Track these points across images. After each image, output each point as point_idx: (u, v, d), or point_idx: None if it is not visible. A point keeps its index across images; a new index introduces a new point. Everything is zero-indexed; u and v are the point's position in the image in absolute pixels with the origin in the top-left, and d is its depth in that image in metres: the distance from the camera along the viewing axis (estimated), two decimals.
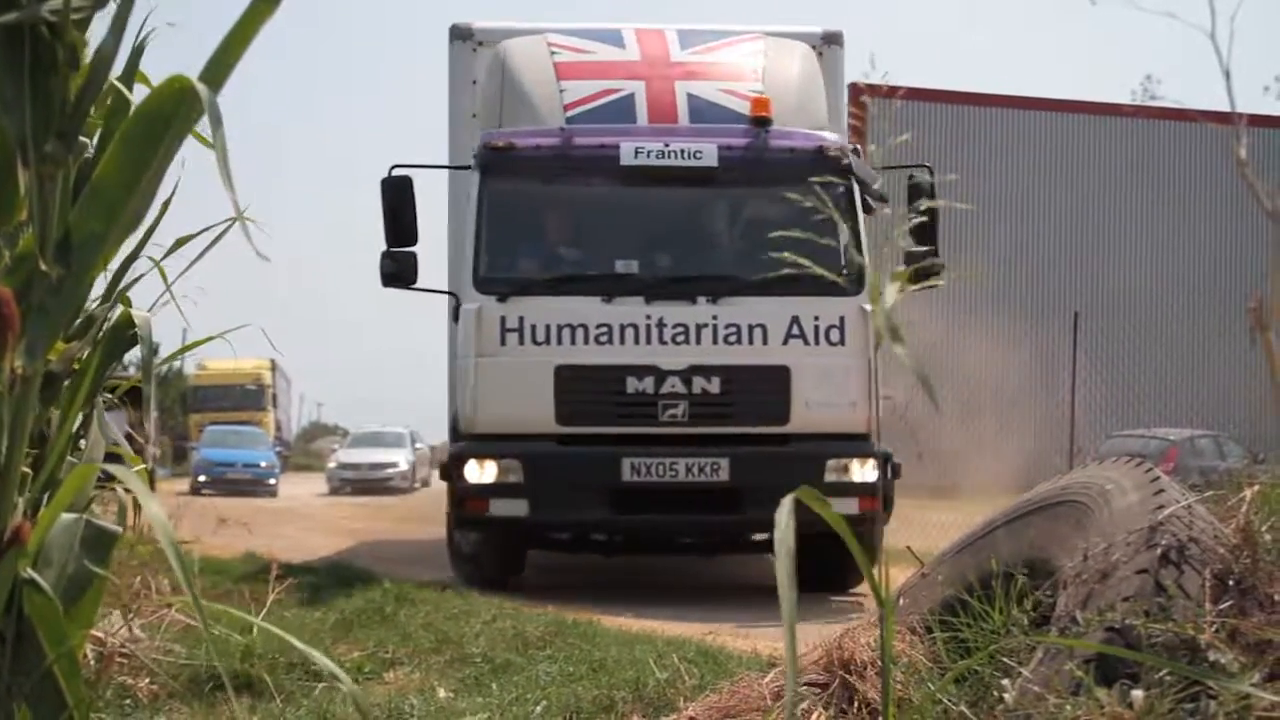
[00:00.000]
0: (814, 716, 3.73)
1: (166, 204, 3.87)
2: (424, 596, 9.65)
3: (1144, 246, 32.80)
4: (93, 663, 5.55)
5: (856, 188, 10.95)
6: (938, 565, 4.69)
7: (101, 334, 3.75)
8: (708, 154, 10.99)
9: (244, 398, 48.70)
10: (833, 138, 11.37)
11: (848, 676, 3.88)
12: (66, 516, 2.72)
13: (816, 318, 10.84)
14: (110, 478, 3.18)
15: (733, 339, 10.81)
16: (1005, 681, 3.40)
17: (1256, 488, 3.83)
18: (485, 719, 5.27)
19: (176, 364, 54.17)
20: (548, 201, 11.66)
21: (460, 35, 13.05)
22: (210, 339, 5.26)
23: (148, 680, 5.66)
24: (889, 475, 10.71)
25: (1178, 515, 3.61)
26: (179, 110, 2.43)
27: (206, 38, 2.48)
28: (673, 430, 10.78)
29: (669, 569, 13.01)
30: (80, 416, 3.70)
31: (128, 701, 5.47)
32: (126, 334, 3.82)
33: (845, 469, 10.69)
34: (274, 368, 51.04)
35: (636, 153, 11.00)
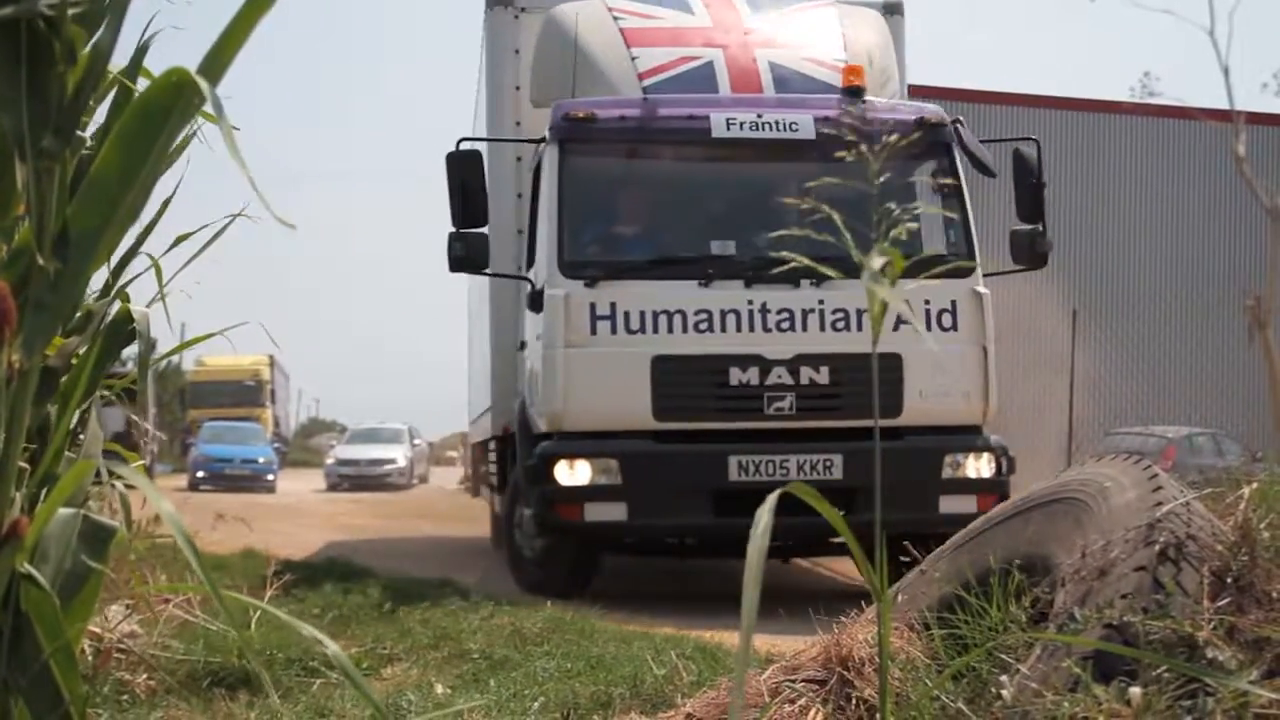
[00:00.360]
0: (811, 713, 3.73)
1: (167, 201, 3.88)
2: (422, 593, 9.66)
3: (1142, 244, 32.76)
4: (90, 658, 5.55)
5: (959, 163, 10.49)
6: (936, 562, 4.69)
7: (100, 329, 3.75)
8: (804, 126, 10.23)
9: (242, 394, 48.76)
10: (934, 109, 10.74)
11: (845, 673, 3.88)
12: (64, 511, 2.72)
13: (927, 302, 10.13)
14: (109, 473, 3.18)
15: (840, 325, 10.07)
16: (1003, 678, 3.40)
17: (1255, 485, 3.84)
18: (482, 704, 5.26)
19: (175, 360, 54.31)
20: (632, 176, 10.97)
21: (499, 1, 12.27)
22: (210, 335, 5.27)
23: (145, 675, 5.67)
24: (1005, 470, 10.22)
25: (1176, 513, 3.61)
26: (177, 103, 2.43)
27: (213, 36, 2.47)
28: (779, 425, 9.99)
29: (672, 570, 12.98)
30: (78, 412, 3.70)
31: (125, 697, 5.47)
32: (125, 329, 3.82)
33: (962, 465, 10.13)
34: (272, 364, 51.13)
35: (729, 124, 10.25)
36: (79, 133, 2.94)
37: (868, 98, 10.42)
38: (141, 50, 3.58)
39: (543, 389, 10.18)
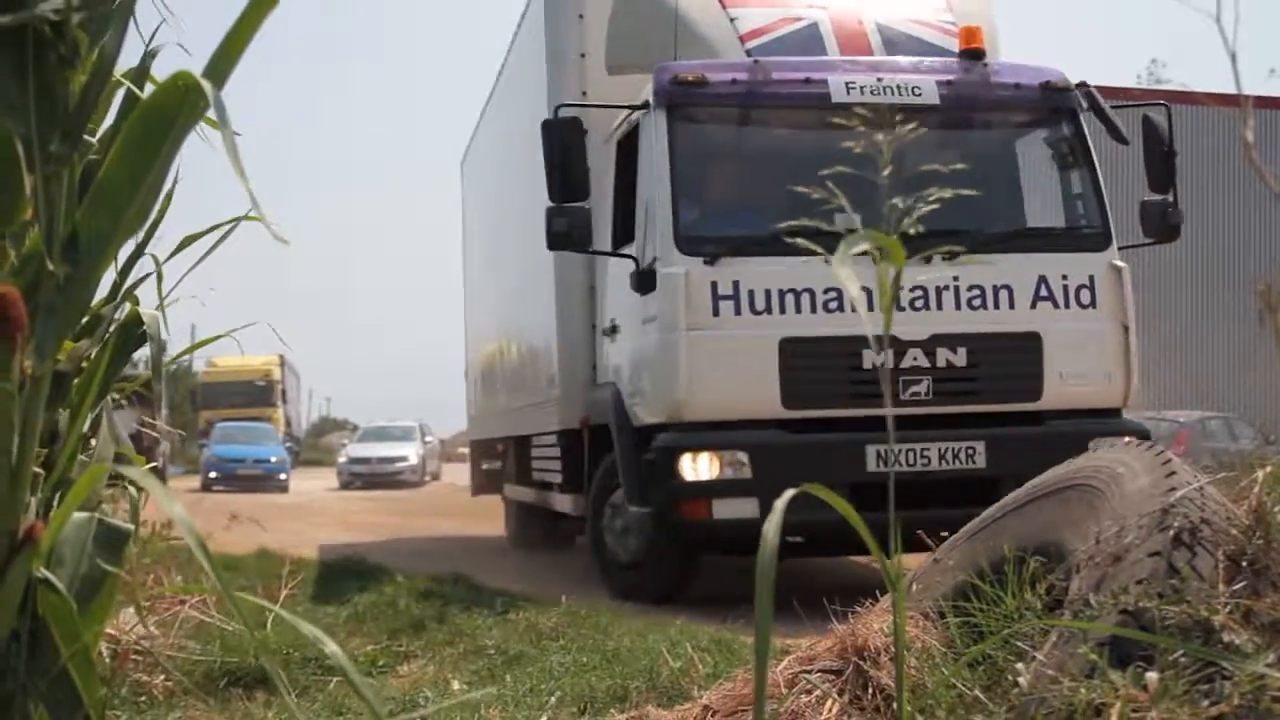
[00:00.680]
0: (828, 704, 3.73)
1: (169, 196, 3.86)
2: (437, 590, 9.67)
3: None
4: (107, 660, 5.57)
5: (1085, 130, 9.97)
6: (950, 551, 4.69)
7: (110, 333, 3.76)
8: (927, 90, 9.66)
9: (253, 394, 48.89)
10: (1058, 72, 10.13)
11: (861, 663, 3.88)
12: (79, 515, 2.73)
13: (1065, 276, 9.59)
14: (121, 477, 3.19)
15: (977, 303, 9.46)
16: (1019, 665, 3.40)
17: (1269, 468, 3.82)
18: (499, 698, 5.26)
19: (184, 360, 54.40)
20: (746, 145, 10.19)
21: None
22: (219, 337, 5.27)
23: (162, 677, 5.68)
24: None
25: (1190, 497, 3.60)
26: (183, 107, 2.43)
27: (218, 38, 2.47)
28: (916, 411, 9.26)
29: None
30: (90, 416, 3.71)
31: (143, 699, 5.50)
32: (135, 332, 3.83)
33: None
34: (283, 364, 51.24)
35: (848, 88, 9.53)
36: (86, 138, 2.95)
37: (987, 61, 9.99)
38: (149, 55, 3.58)
39: (659, 376, 9.47)
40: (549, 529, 15.11)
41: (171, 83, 2.42)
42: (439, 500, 29.23)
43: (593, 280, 11.37)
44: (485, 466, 18.42)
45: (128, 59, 3.36)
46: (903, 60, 9.98)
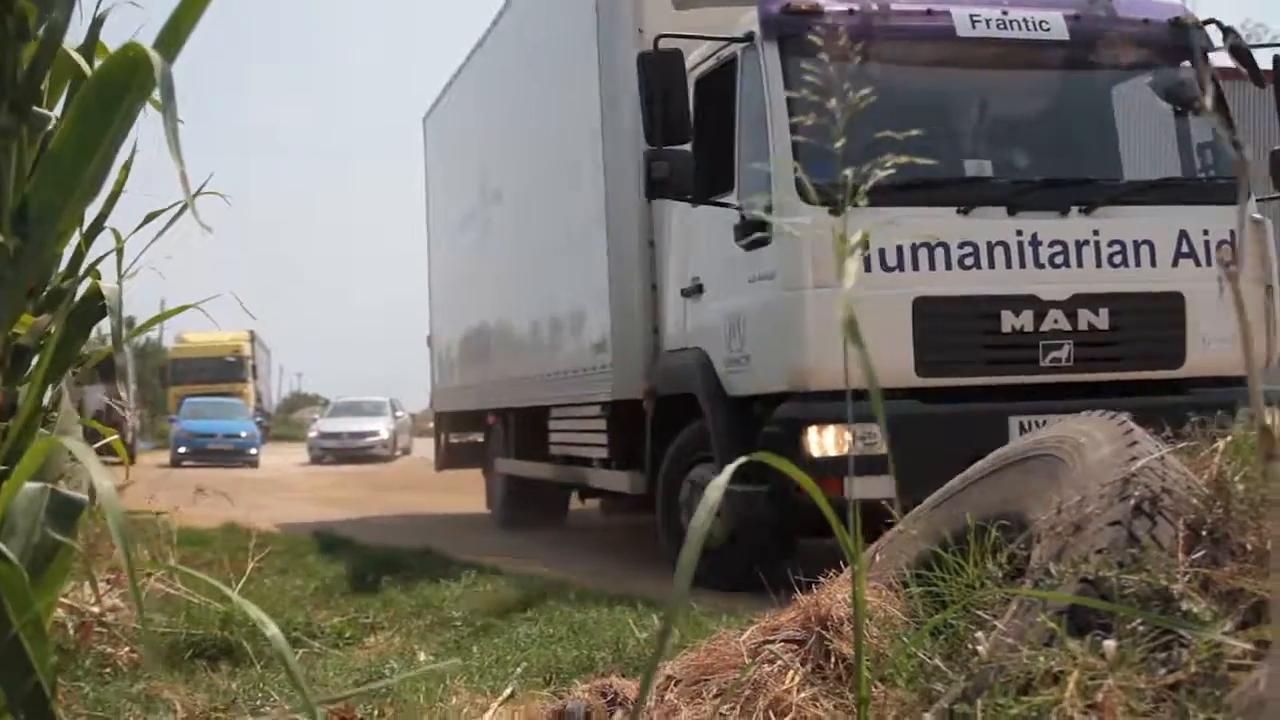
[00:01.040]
0: (790, 673, 3.74)
1: (127, 167, 3.83)
2: (404, 562, 9.68)
3: None
4: (72, 632, 5.56)
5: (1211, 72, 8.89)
6: (914, 521, 4.70)
7: (69, 306, 3.73)
8: (1055, 25, 8.95)
9: (223, 370, 48.71)
10: (1186, 8, 9.42)
11: (824, 633, 3.89)
12: (31, 486, 2.71)
13: (1206, 232, 8.84)
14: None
15: (1118, 260, 8.72)
16: (979, 634, 3.41)
17: (1229, 438, 3.85)
18: (464, 668, 5.26)
19: (153, 335, 54.20)
20: (865, 84, 9.04)
21: None
22: (183, 309, 5.23)
23: (127, 649, 5.68)
24: None
25: (1150, 467, 3.62)
26: (134, 78, 2.41)
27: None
28: (1057, 379, 8.59)
29: (648, 531, 12.97)
30: (52, 390, 3.69)
31: (107, 670, 5.48)
32: (96, 306, 3.81)
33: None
34: (253, 339, 51.05)
35: (974, 22, 8.84)
36: (46, 112, 2.93)
37: None
38: (97, 23, 3.54)
39: (779, 339, 8.66)
40: (545, 505, 14.64)
41: (122, 54, 2.39)
42: (410, 475, 29.16)
43: (651, 235, 10.56)
44: (455, 440, 17.80)
45: (110, 35, 3.32)
46: None
